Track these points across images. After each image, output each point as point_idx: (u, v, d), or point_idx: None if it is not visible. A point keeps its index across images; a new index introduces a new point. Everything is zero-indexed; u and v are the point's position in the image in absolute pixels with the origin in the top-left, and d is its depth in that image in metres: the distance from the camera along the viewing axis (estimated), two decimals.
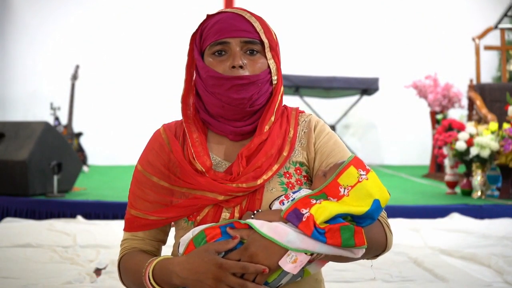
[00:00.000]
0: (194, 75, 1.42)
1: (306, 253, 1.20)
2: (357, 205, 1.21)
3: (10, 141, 4.83)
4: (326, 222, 1.19)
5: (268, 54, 1.38)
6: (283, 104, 1.45)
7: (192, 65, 1.42)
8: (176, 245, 1.36)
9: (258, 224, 1.22)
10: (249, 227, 1.23)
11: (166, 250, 1.43)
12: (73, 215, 4.40)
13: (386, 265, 3.04)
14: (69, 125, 7.23)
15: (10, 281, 2.73)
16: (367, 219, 1.22)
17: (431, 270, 3.00)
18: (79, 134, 7.51)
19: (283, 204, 1.27)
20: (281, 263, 1.19)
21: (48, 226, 4.00)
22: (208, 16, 1.40)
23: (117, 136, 8.55)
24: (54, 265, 3.08)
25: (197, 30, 1.41)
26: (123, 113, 8.60)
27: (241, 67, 1.34)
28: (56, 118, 7.29)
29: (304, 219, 1.19)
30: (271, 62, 1.39)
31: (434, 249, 3.48)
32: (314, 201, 1.22)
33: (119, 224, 4.08)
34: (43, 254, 3.28)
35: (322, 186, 1.25)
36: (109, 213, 4.43)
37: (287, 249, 1.19)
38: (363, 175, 1.24)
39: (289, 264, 1.19)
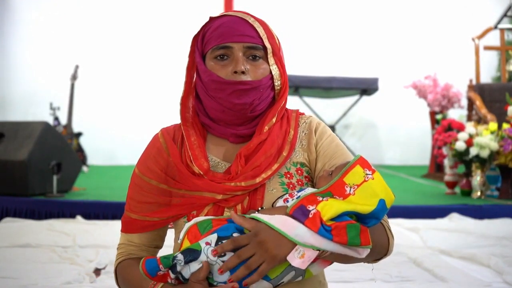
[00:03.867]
0: (194, 77, 1.41)
1: (313, 249, 1.19)
2: (363, 203, 1.21)
3: (10, 141, 4.82)
4: (333, 219, 1.18)
5: (271, 60, 1.37)
6: None
7: (192, 67, 1.41)
8: (176, 248, 1.35)
9: (267, 218, 1.22)
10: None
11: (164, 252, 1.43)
12: (72, 215, 4.40)
13: (386, 265, 3.04)
14: (68, 125, 7.23)
15: (10, 281, 2.73)
16: (372, 219, 1.22)
17: (430, 270, 3.00)
18: (78, 134, 7.50)
19: (287, 202, 1.27)
20: (289, 258, 1.18)
21: (47, 226, 4.00)
22: (211, 19, 1.39)
23: (117, 136, 8.55)
24: (54, 265, 3.09)
25: (199, 32, 1.40)
26: (123, 113, 8.60)
27: (243, 72, 1.33)
28: (56, 118, 7.29)
29: (310, 216, 1.19)
30: (274, 68, 1.37)
31: (434, 249, 3.48)
32: (321, 199, 1.22)
33: (119, 224, 4.06)
34: (42, 254, 3.28)
35: (328, 184, 1.25)
36: (108, 213, 4.43)
37: (295, 243, 1.18)
38: (369, 174, 1.24)
39: (297, 259, 1.18)
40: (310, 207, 1.20)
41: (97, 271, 3.01)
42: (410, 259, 3.24)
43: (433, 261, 3.17)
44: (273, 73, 1.37)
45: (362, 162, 1.26)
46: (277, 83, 1.38)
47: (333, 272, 2.84)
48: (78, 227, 3.99)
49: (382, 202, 1.23)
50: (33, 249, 3.40)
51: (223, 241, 1.20)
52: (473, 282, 2.79)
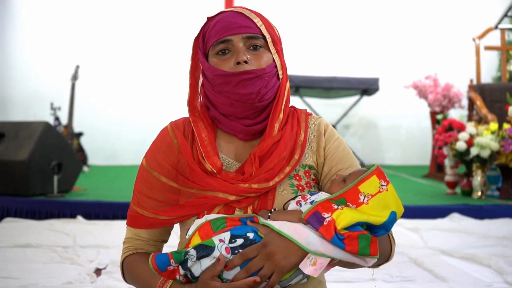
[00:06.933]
0: (201, 78, 1.41)
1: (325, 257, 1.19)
2: (375, 214, 1.22)
3: (10, 141, 4.83)
4: (346, 228, 1.19)
5: (272, 49, 1.37)
6: (291, 105, 1.44)
7: (196, 69, 1.41)
8: (182, 244, 1.34)
9: (278, 224, 1.22)
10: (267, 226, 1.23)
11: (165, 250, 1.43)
12: (73, 215, 4.40)
13: (386, 265, 3.03)
14: (69, 125, 7.23)
15: (10, 281, 2.73)
16: (382, 230, 1.24)
17: (431, 270, 3.00)
18: (79, 134, 7.51)
19: (300, 205, 1.27)
20: (301, 266, 1.18)
21: (48, 226, 4.01)
22: (209, 19, 1.40)
23: (117, 136, 8.55)
24: (54, 265, 3.09)
25: (199, 34, 1.40)
26: (123, 113, 8.60)
27: (245, 62, 1.33)
28: (57, 118, 7.29)
29: (325, 223, 1.19)
30: (276, 57, 1.38)
31: (434, 249, 3.48)
32: (336, 206, 1.22)
33: (119, 224, 4.09)
34: (43, 254, 3.29)
35: (342, 190, 1.25)
36: (109, 213, 4.43)
37: (306, 251, 1.18)
38: (384, 186, 1.25)
39: (309, 267, 1.18)
40: (325, 215, 1.20)
41: (98, 271, 3.02)
42: (410, 259, 3.25)
43: (433, 261, 3.18)
44: (276, 62, 1.37)
45: (379, 172, 1.27)
46: (280, 72, 1.38)
47: (334, 272, 2.83)
48: (79, 227, 3.99)
49: (393, 214, 1.24)
50: (34, 249, 3.40)
51: (237, 240, 1.20)
52: (473, 282, 2.79)
